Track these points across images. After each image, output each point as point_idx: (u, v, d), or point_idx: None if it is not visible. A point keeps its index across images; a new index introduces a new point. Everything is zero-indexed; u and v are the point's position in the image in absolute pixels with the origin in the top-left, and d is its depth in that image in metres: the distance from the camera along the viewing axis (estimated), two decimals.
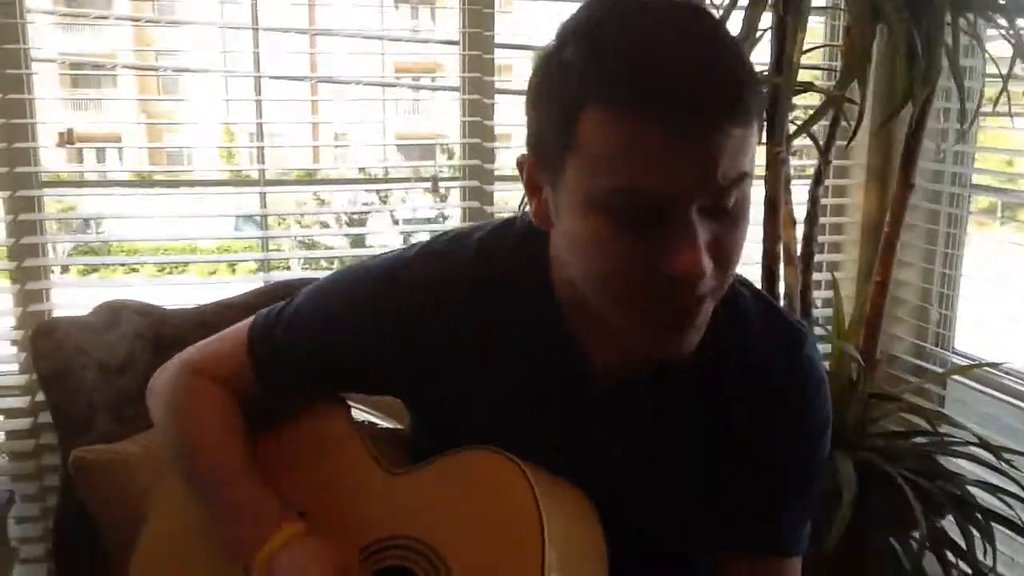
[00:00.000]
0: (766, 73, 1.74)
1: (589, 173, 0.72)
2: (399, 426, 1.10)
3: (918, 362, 2.37)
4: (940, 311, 2.35)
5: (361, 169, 2.85)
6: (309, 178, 3.19)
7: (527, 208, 0.85)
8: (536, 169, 0.81)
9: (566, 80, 0.73)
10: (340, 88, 2.46)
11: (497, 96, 2.20)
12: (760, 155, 1.83)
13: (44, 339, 1.62)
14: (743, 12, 1.67)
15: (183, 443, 1.03)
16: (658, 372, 0.89)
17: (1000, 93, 1.71)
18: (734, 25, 1.63)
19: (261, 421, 1.04)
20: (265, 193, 2.17)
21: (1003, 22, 1.72)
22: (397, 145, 2.51)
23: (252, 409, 1.04)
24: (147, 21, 2.79)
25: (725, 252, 0.75)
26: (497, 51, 2.18)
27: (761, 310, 0.93)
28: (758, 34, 1.68)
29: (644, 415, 0.91)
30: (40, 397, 1.95)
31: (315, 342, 0.98)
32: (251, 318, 1.04)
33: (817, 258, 2.12)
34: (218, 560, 0.99)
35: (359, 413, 1.06)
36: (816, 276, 2.26)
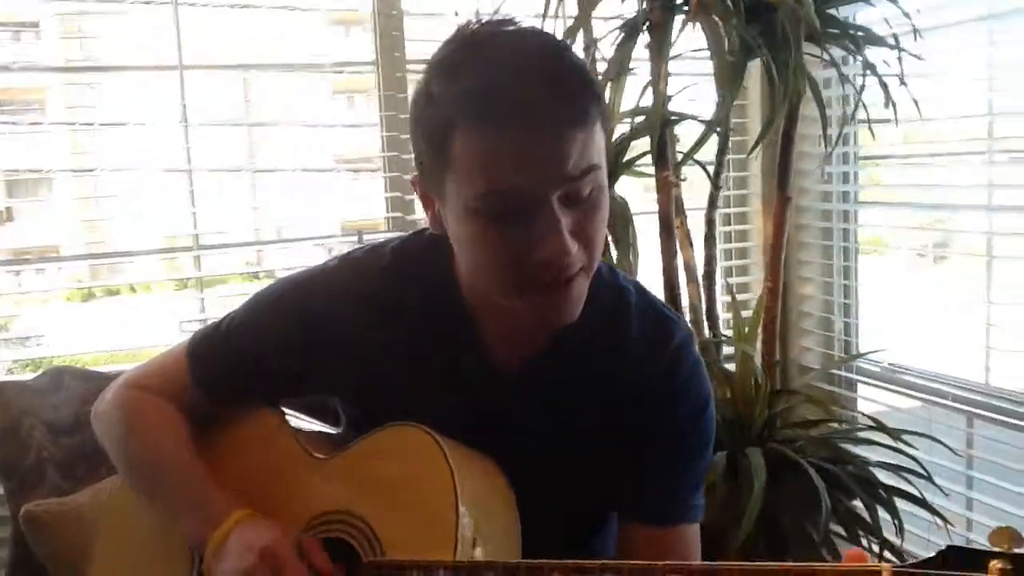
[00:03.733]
0: (645, 106, 1.92)
1: (462, 184, 0.87)
2: (330, 429, 1.21)
3: (832, 372, 2.53)
4: (842, 319, 2.54)
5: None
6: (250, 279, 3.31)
7: None
8: (424, 186, 0.96)
9: (435, 110, 0.88)
10: (279, 182, 2.58)
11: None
12: (652, 181, 2.01)
13: None
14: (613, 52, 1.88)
15: (133, 454, 1.14)
16: (552, 353, 1.02)
17: (854, 112, 1.93)
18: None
19: (200, 428, 1.15)
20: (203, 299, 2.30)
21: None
22: (342, 235, 2.64)
23: (192, 418, 1.15)
24: (81, 124, 2.88)
25: (587, 234, 0.89)
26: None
27: (639, 303, 1.07)
28: (633, 68, 1.87)
29: (542, 391, 1.04)
30: None
31: (252, 343, 1.09)
32: (189, 336, 1.16)
33: (727, 280, 2.30)
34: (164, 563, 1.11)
35: (290, 418, 1.17)
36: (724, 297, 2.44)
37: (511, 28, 0.90)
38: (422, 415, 1.01)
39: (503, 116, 0.83)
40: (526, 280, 0.89)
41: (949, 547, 0.74)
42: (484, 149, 0.84)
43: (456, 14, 1.89)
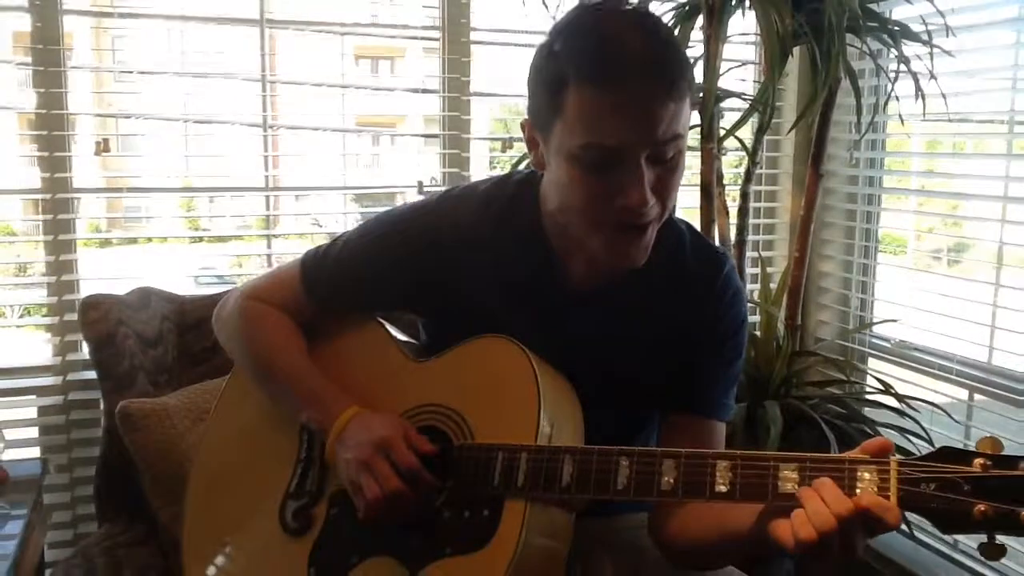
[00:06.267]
0: (699, 82, 2.09)
1: (568, 133, 1.05)
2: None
3: (845, 344, 2.71)
4: (859, 296, 2.71)
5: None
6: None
7: (521, 165, 1.18)
8: (534, 130, 1.14)
9: (554, 63, 1.06)
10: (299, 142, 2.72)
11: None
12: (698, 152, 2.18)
13: (93, 309, 1.89)
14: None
15: (256, 355, 1.34)
16: (619, 280, 1.21)
17: (886, 102, 2.08)
18: None
19: (315, 334, 1.35)
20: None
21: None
22: (356, 196, 2.85)
23: (303, 325, 1.35)
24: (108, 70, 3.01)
25: (664, 190, 1.08)
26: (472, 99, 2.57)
27: (692, 239, 1.28)
28: (690, 47, 2.04)
29: (610, 311, 1.23)
30: (71, 376, 2.22)
31: (362, 267, 1.29)
32: (301, 255, 1.35)
33: (752, 252, 2.48)
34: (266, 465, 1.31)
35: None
36: (751, 268, 2.62)
37: (627, 8, 1.08)
38: (505, 328, 1.19)
39: (610, 82, 1.01)
40: (607, 223, 1.08)
41: (944, 447, 0.92)
42: (591, 107, 1.02)
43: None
